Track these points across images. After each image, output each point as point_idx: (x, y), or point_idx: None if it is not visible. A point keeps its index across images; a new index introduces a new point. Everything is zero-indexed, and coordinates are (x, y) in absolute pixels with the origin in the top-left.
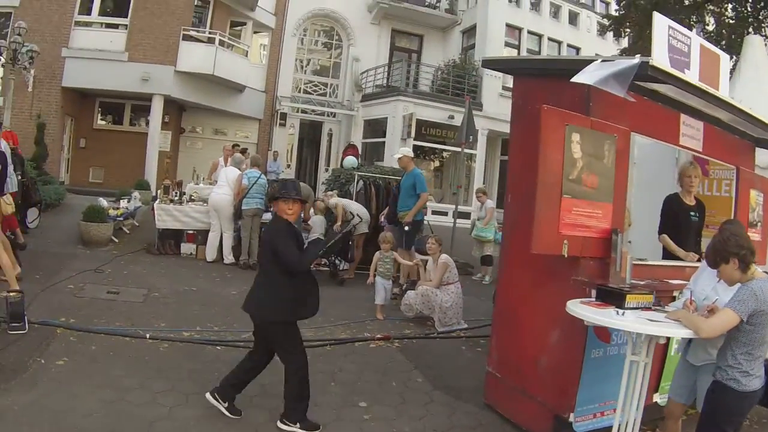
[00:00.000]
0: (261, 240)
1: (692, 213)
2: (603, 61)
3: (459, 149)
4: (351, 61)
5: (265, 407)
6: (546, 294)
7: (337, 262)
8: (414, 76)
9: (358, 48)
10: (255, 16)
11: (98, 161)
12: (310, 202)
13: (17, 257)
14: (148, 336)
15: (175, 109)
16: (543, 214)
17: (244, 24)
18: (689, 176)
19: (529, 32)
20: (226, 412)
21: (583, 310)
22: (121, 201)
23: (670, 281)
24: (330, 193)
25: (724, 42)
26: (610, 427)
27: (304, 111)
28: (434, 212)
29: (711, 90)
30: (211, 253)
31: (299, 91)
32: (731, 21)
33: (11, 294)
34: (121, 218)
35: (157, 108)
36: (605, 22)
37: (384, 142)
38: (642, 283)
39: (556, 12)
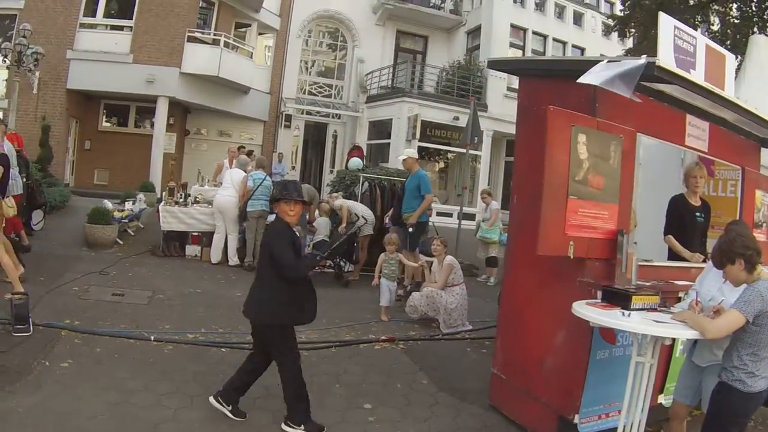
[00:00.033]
0: (261, 242)
1: (698, 214)
2: (609, 61)
3: (464, 150)
4: (356, 62)
5: (269, 409)
6: (551, 295)
7: (342, 263)
8: (419, 77)
9: (362, 49)
10: (260, 18)
11: (103, 163)
12: (314, 204)
13: (19, 258)
14: (152, 338)
15: (180, 110)
16: (549, 215)
17: (249, 25)
18: (695, 177)
19: (534, 33)
20: (231, 415)
21: (589, 311)
22: (126, 203)
23: (676, 282)
24: (335, 194)
25: (729, 42)
26: (615, 429)
27: (308, 112)
28: (439, 213)
29: (717, 90)
30: (215, 255)
31: (304, 93)
32: (736, 21)
33: (15, 296)
34: (126, 220)
35: (161, 110)
36: (610, 22)
37: (389, 144)
38: (647, 284)
39: (560, 12)
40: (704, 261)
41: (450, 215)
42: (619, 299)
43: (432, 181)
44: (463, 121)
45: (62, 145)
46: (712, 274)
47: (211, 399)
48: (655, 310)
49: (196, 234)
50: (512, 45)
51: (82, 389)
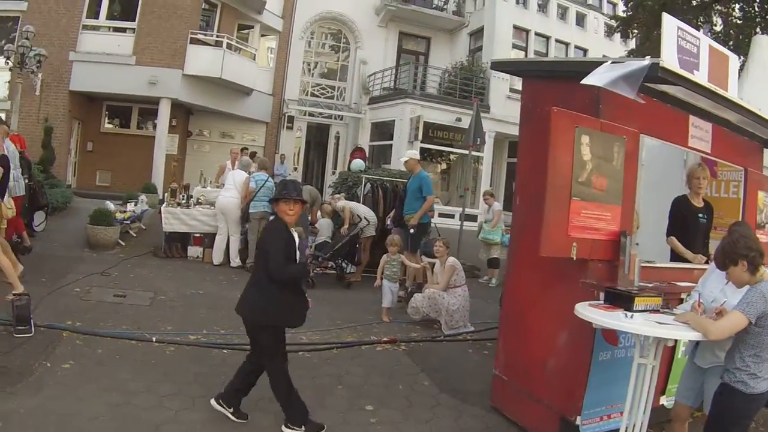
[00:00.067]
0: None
1: (700, 215)
2: (613, 62)
3: (466, 152)
4: (358, 63)
5: (271, 410)
6: (554, 296)
7: (344, 265)
8: (421, 79)
9: (365, 51)
10: (262, 20)
11: (105, 165)
12: (317, 206)
13: (18, 257)
14: (154, 339)
15: (183, 112)
16: (552, 217)
17: (252, 27)
18: (698, 178)
19: (537, 34)
20: (232, 417)
21: (592, 313)
22: (128, 204)
23: (678, 283)
24: (337, 196)
25: (731, 42)
26: (617, 430)
27: (311, 114)
28: (441, 215)
29: (720, 91)
30: (218, 257)
31: (306, 94)
32: (739, 21)
33: (17, 297)
34: (128, 221)
35: (164, 111)
36: (613, 23)
37: (391, 145)
38: (650, 285)
39: (563, 13)
40: (707, 262)
41: (452, 216)
42: (621, 301)
43: (434, 182)
44: (465, 123)
45: (64, 146)
46: (714, 276)
47: (213, 402)
48: (657, 311)
49: (198, 235)
50: (515, 46)
51: (84, 390)
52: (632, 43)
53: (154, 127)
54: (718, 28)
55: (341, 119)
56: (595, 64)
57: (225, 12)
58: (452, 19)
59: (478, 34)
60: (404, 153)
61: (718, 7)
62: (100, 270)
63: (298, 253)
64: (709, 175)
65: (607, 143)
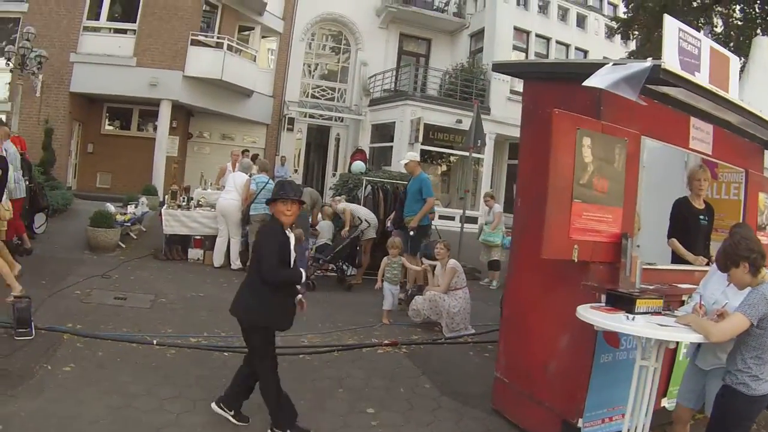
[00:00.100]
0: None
1: (701, 217)
2: (614, 64)
3: (467, 153)
4: (359, 65)
5: None
6: (555, 299)
7: (344, 267)
8: (422, 80)
9: (365, 52)
10: (263, 21)
11: (106, 166)
12: (317, 208)
13: (15, 257)
14: (155, 342)
15: (183, 114)
16: (553, 219)
17: (253, 29)
18: (699, 180)
19: (537, 35)
20: (234, 420)
21: (594, 315)
22: (129, 206)
23: (679, 285)
24: (338, 198)
25: (732, 44)
26: None
27: (311, 116)
28: (441, 217)
29: (722, 93)
30: (218, 259)
31: (307, 96)
32: (739, 23)
33: (18, 300)
34: (129, 224)
35: (165, 113)
36: (613, 24)
37: (392, 147)
38: (651, 287)
39: (564, 15)
40: (708, 264)
41: (452, 218)
42: (623, 303)
43: (434, 184)
44: (465, 124)
45: (65, 148)
46: (715, 278)
47: (213, 405)
48: (659, 313)
49: (198, 237)
50: (515, 48)
51: (84, 393)
52: (633, 45)
53: (155, 128)
54: (718, 30)
55: (342, 121)
56: (597, 65)
57: (226, 13)
58: (453, 20)
59: (478, 35)
60: (405, 155)
61: (719, 9)
62: (100, 272)
63: (293, 254)
64: (710, 177)
65: (609, 145)
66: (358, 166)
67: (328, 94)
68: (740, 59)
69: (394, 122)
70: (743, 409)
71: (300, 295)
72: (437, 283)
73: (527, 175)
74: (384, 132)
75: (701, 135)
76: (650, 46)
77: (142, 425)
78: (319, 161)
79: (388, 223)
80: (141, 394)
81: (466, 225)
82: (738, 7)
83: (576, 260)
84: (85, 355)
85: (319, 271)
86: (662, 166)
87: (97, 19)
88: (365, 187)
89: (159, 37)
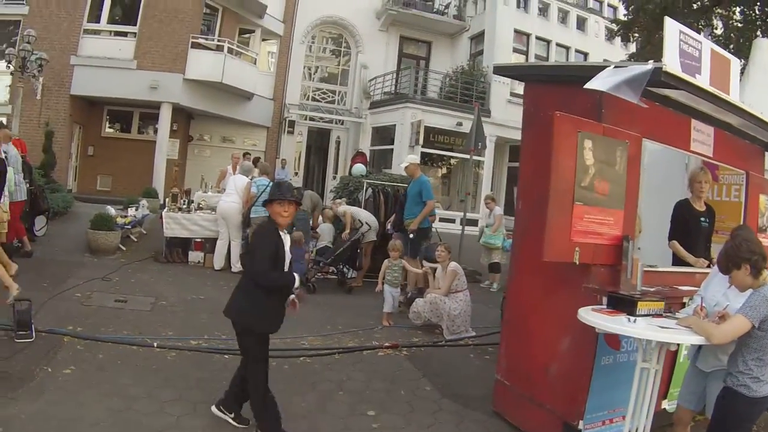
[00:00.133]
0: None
1: (702, 219)
2: (616, 67)
3: (467, 156)
4: (359, 68)
5: None
6: (556, 301)
7: (345, 270)
8: (422, 83)
9: (366, 55)
10: (263, 24)
11: (106, 169)
12: (318, 211)
13: (11, 257)
14: (155, 344)
15: (184, 116)
16: (555, 221)
17: (253, 31)
18: (700, 182)
19: (537, 38)
20: (234, 423)
21: (595, 317)
22: (129, 209)
23: (680, 287)
24: (338, 201)
25: (732, 46)
26: None
27: (312, 118)
28: (442, 219)
29: (723, 95)
30: (219, 262)
31: (307, 99)
32: (739, 24)
33: (18, 302)
34: (129, 226)
35: (165, 116)
36: (613, 27)
37: (392, 150)
38: (652, 289)
39: (564, 17)
40: (708, 266)
41: (453, 221)
42: (624, 305)
43: (435, 186)
44: (466, 127)
45: (65, 150)
46: (716, 280)
47: (213, 408)
48: (660, 315)
49: (199, 240)
50: (515, 50)
51: (85, 396)
52: (633, 47)
53: (155, 131)
54: (718, 32)
55: (342, 124)
56: (598, 68)
57: (226, 16)
58: (453, 23)
59: (479, 38)
60: (405, 158)
61: (719, 11)
62: (101, 275)
63: (288, 256)
64: (710, 179)
65: (610, 148)
66: (359, 168)
67: (329, 96)
68: (740, 61)
69: (395, 125)
70: (744, 410)
71: (293, 296)
72: (438, 286)
73: (528, 177)
74: (384, 135)
75: (702, 137)
76: (650, 48)
77: (142, 428)
78: (319, 164)
79: (388, 226)
80: (141, 397)
81: (466, 227)
82: (738, 9)
83: (577, 263)
84: (86, 358)
85: (319, 274)
86: (663, 168)
87: (98, 21)
88: (366, 190)
89: (159, 39)
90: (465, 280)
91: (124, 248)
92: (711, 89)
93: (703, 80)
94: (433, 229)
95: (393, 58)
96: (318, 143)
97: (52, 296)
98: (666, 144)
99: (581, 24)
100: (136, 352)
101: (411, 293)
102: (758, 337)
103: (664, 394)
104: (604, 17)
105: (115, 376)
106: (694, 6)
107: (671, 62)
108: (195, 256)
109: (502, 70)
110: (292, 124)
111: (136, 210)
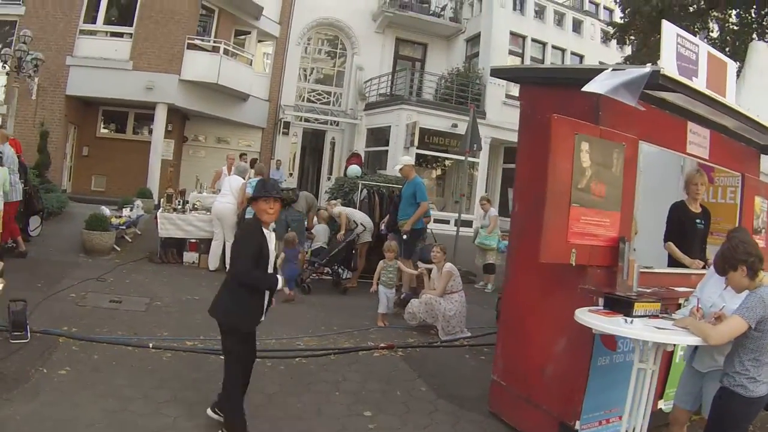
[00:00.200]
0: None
1: (698, 220)
2: (613, 69)
3: (462, 157)
4: (355, 69)
5: (268, 417)
6: (553, 302)
7: (340, 270)
8: (417, 85)
9: (361, 57)
10: (259, 25)
11: (101, 169)
12: (313, 211)
13: (1, 257)
14: (150, 345)
15: (179, 117)
16: (552, 223)
17: (249, 33)
18: (695, 184)
19: (533, 40)
20: None
21: (592, 318)
22: (124, 209)
23: (676, 289)
24: (333, 201)
25: (728, 48)
26: None
27: (307, 120)
28: (437, 221)
29: (719, 98)
30: (213, 262)
31: (303, 100)
32: (735, 27)
33: (13, 302)
34: (124, 227)
35: (160, 116)
36: (609, 29)
37: (387, 151)
38: (648, 290)
39: (560, 20)
40: (704, 267)
41: (447, 222)
42: (621, 306)
43: (429, 188)
44: (461, 129)
45: (60, 151)
46: (713, 281)
47: (209, 411)
48: (656, 316)
49: (194, 241)
50: (511, 52)
51: (80, 397)
52: (629, 50)
53: (150, 132)
54: (714, 35)
55: (337, 125)
56: (595, 71)
57: (222, 17)
58: (449, 25)
59: (474, 40)
60: (399, 159)
61: (715, 14)
62: (95, 275)
63: (272, 254)
64: (706, 181)
65: (607, 150)
66: (354, 169)
67: (324, 98)
68: (737, 64)
69: (390, 126)
70: (740, 410)
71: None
72: (433, 287)
73: (525, 179)
74: (379, 136)
75: (698, 139)
76: (646, 51)
77: (138, 429)
78: (314, 165)
79: (382, 227)
80: (137, 398)
81: (461, 228)
82: (734, 12)
83: (574, 264)
84: (81, 359)
85: (314, 275)
86: (659, 170)
87: (94, 22)
88: (361, 191)
89: (155, 40)
90: (460, 281)
91: (118, 249)
92: (708, 92)
93: (699, 83)
94: (428, 230)
95: (388, 59)
96: (313, 144)
97: (46, 297)
98: (662, 146)
99: (577, 26)
100: (131, 353)
101: (405, 294)
102: (755, 338)
103: (660, 394)
104: (600, 20)
105: (111, 377)
106: (691, 9)
107: (668, 65)
108: (190, 256)
109: (499, 72)
110: (287, 125)
111: (131, 210)
